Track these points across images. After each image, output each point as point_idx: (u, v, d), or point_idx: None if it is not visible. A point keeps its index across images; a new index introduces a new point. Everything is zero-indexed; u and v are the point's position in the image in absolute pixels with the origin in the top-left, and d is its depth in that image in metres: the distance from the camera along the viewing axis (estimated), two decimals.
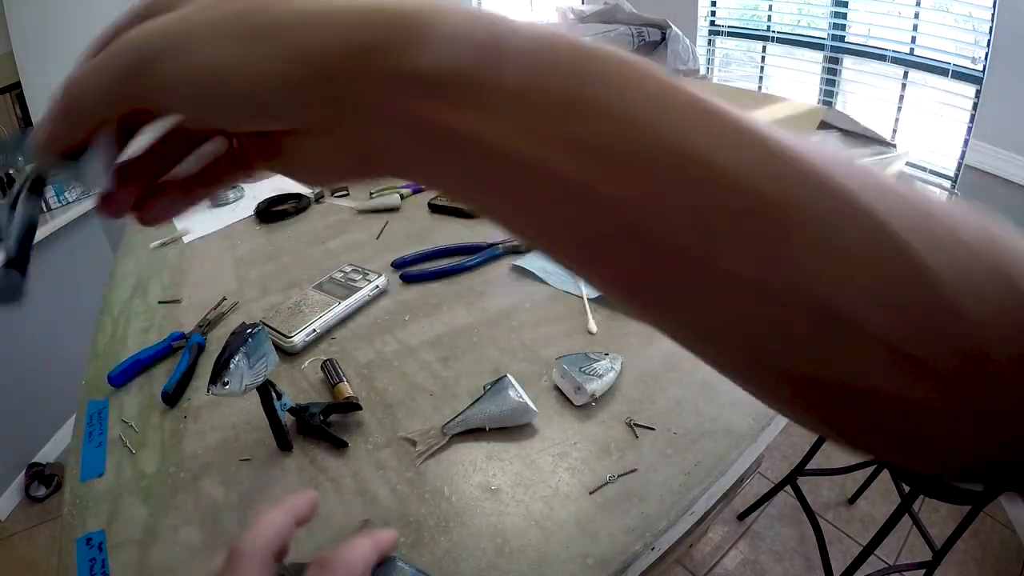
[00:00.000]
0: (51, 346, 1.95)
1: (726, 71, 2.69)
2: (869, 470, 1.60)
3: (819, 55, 2.20)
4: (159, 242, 1.15)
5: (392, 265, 0.95)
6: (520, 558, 0.51)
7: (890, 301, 0.13)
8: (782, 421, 0.63)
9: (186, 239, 1.15)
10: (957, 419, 0.14)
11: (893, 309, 0.13)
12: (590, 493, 0.56)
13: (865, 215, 0.13)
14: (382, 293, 0.89)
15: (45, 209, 2.04)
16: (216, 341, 0.82)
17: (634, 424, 0.62)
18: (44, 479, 1.97)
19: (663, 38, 1.39)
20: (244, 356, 0.58)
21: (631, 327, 0.77)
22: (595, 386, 0.64)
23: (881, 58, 1.98)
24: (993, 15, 1.64)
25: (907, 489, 1.20)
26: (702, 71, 1.57)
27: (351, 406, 0.67)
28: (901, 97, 1.97)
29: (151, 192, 0.22)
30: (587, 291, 0.83)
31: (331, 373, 0.72)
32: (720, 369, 0.18)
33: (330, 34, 0.15)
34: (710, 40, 2.61)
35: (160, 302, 0.95)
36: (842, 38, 2.11)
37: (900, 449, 0.16)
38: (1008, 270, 0.14)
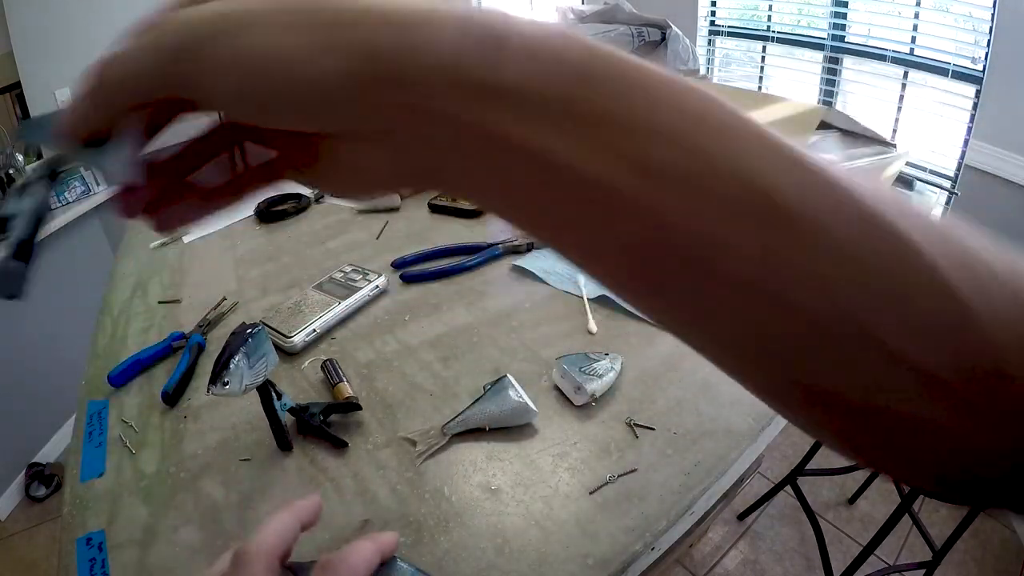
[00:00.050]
0: (51, 346, 1.95)
1: (726, 71, 2.69)
2: (869, 470, 1.60)
3: (819, 55, 2.20)
4: (159, 242, 1.15)
5: (392, 265, 0.95)
6: (520, 558, 0.51)
7: (924, 327, 0.14)
8: (782, 421, 0.63)
9: (186, 239, 1.15)
10: (968, 437, 0.15)
11: (927, 335, 0.14)
12: (590, 493, 0.56)
13: (908, 249, 0.14)
14: (382, 293, 0.89)
15: (58, 200, 1.99)
16: (216, 341, 0.82)
17: (634, 424, 0.62)
18: (44, 479, 1.97)
19: (663, 38, 1.39)
20: (244, 356, 0.58)
21: (631, 327, 0.77)
22: (595, 386, 0.64)
23: (881, 58, 1.99)
24: (993, 15, 1.64)
25: (907, 489, 1.20)
26: (702, 71, 1.57)
27: (351, 406, 0.67)
28: (901, 97, 1.98)
29: (168, 195, 0.21)
30: (587, 291, 0.83)
31: (331, 373, 0.72)
32: (739, 378, 0.18)
33: (403, 37, 0.15)
34: (710, 40, 2.62)
35: (160, 302, 0.95)
36: (842, 38, 2.11)
37: (909, 466, 0.17)
38: None
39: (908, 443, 0.15)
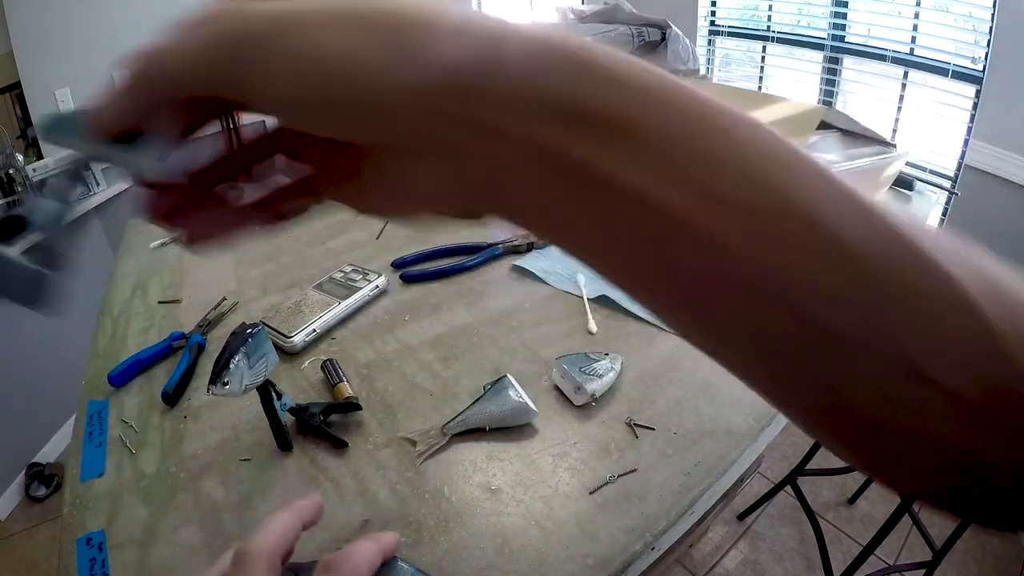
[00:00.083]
0: (51, 346, 1.95)
1: (726, 71, 2.69)
2: None
3: (819, 55, 2.20)
4: (159, 242, 1.15)
5: (392, 265, 0.95)
6: (520, 558, 0.51)
7: (957, 351, 0.14)
8: (782, 421, 0.63)
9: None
10: (978, 452, 0.15)
11: (966, 366, 0.14)
12: (590, 493, 0.56)
13: (946, 279, 0.14)
14: (382, 293, 0.89)
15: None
16: (216, 341, 0.82)
17: (634, 424, 0.62)
18: (44, 479, 1.97)
19: (663, 38, 1.39)
20: (244, 356, 0.58)
21: (631, 327, 0.77)
22: (595, 386, 0.64)
23: (881, 58, 1.99)
24: (993, 15, 1.64)
25: None
26: (702, 71, 1.57)
27: (351, 406, 0.67)
28: (901, 97, 1.98)
29: (195, 204, 0.20)
30: (587, 291, 0.83)
31: (331, 373, 0.72)
32: (763, 393, 0.18)
33: (482, 53, 0.14)
34: (710, 40, 2.62)
35: (160, 302, 0.95)
36: (842, 38, 2.11)
37: (921, 481, 0.17)
38: None
39: (921, 459, 0.16)
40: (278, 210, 0.21)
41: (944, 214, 1.92)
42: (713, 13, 2.56)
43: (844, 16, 2.08)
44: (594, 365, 0.66)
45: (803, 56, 2.29)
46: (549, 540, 0.52)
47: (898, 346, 0.14)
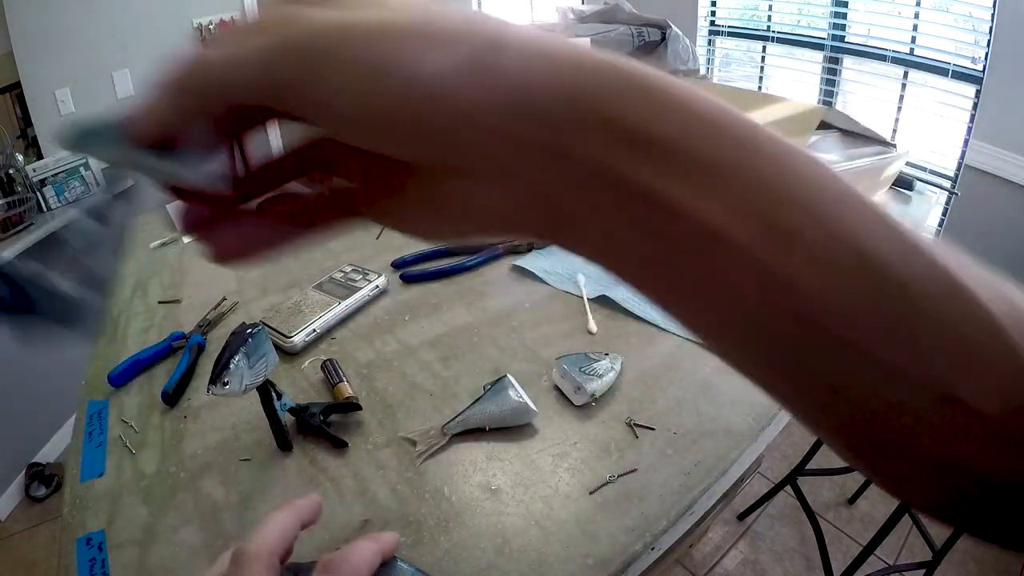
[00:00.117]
0: (51, 346, 1.95)
1: (726, 71, 2.69)
2: None
3: (819, 55, 2.20)
4: (159, 242, 1.15)
5: (392, 265, 0.95)
6: (520, 558, 0.51)
7: (993, 380, 0.15)
8: (782, 421, 0.63)
9: (186, 239, 1.15)
10: (990, 465, 0.16)
11: (994, 386, 0.15)
12: (590, 493, 0.56)
13: (982, 310, 0.15)
14: (382, 293, 0.89)
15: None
16: (216, 341, 0.82)
17: (634, 424, 0.62)
18: (44, 479, 1.97)
19: (663, 38, 1.39)
20: (244, 356, 0.58)
21: (631, 327, 0.77)
22: (595, 386, 0.64)
23: (881, 58, 1.99)
24: (993, 15, 1.64)
25: None
26: (702, 71, 1.57)
27: (351, 406, 0.67)
28: (901, 97, 1.98)
29: (226, 216, 0.19)
30: (587, 291, 0.83)
31: (331, 373, 0.72)
32: (787, 405, 0.18)
33: (559, 76, 0.14)
34: (710, 40, 2.62)
35: (160, 302, 0.95)
36: (842, 38, 2.11)
37: (934, 495, 0.17)
38: None
39: (931, 472, 0.16)
40: (314, 226, 0.20)
41: (944, 214, 1.92)
42: (713, 13, 2.57)
43: (844, 16, 2.08)
44: (594, 365, 0.66)
45: (803, 56, 2.29)
46: (549, 540, 0.52)
47: (936, 371, 0.15)
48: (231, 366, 0.57)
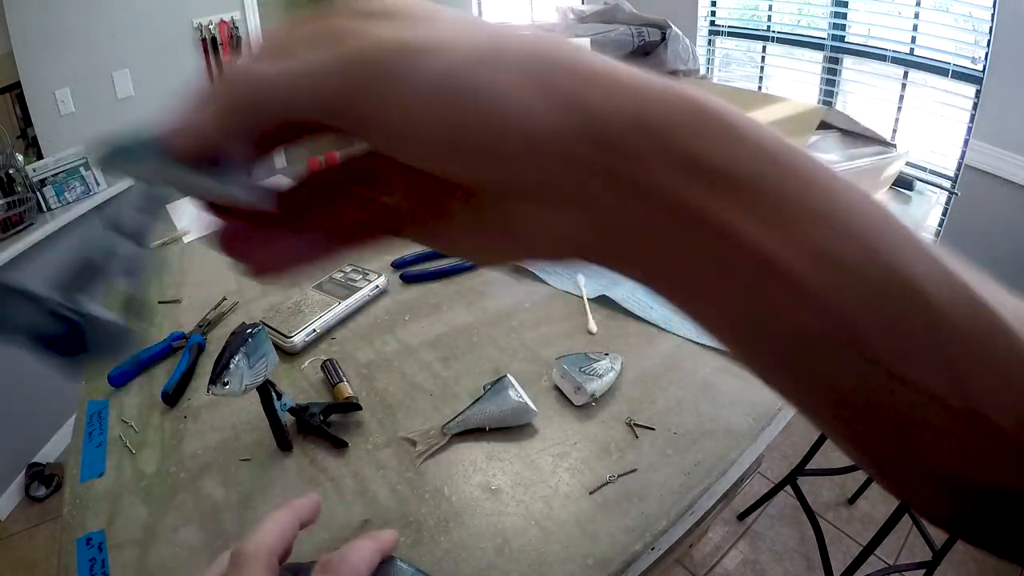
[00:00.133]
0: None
1: (726, 71, 2.69)
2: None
3: (819, 55, 2.20)
4: (159, 242, 1.15)
5: (392, 265, 0.95)
6: (520, 558, 0.51)
7: (1020, 401, 0.15)
8: (782, 421, 0.63)
9: (186, 239, 1.15)
10: (1003, 477, 0.16)
11: (1021, 407, 0.15)
12: (590, 493, 0.56)
13: (1011, 335, 0.15)
14: (382, 293, 0.89)
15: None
16: (216, 341, 0.82)
17: (634, 424, 0.62)
18: (44, 479, 1.97)
19: (663, 38, 1.39)
20: (244, 356, 0.58)
21: (631, 327, 0.77)
22: (595, 386, 0.64)
23: (881, 58, 1.99)
24: (993, 15, 1.64)
25: None
26: (702, 71, 1.57)
27: (351, 406, 0.67)
28: (901, 97, 1.98)
29: (271, 232, 0.19)
30: (587, 291, 0.83)
31: (331, 373, 0.72)
32: (815, 421, 0.18)
33: (620, 101, 0.14)
34: (710, 40, 2.62)
35: (160, 302, 0.95)
36: (842, 38, 2.11)
37: (947, 507, 0.18)
38: None
39: (947, 486, 0.16)
40: (354, 243, 0.20)
41: (944, 214, 1.92)
42: (713, 13, 2.56)
43: (844, 16, 2.08)
44: (594, 365, 0.66)
45: (803, 56, 2.29)
46: (549, 540, 0.52)
47: (968, 395, 0.15)
48: (231, 366, 0.57)
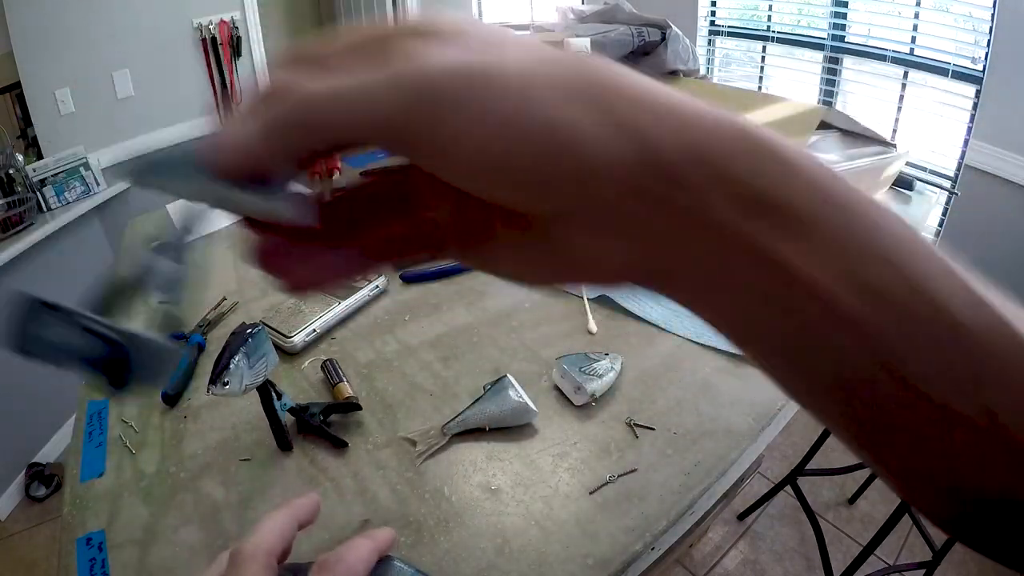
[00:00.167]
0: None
1: (726, 71, 2.69)
2: (869, 470, 1.60)
3: (819, 55, 2.20)
4: (159, 242, 1.15)
5: None
6: (520, 558, 0.51)
7: None
8: (782, 421, 0.63)
9: (186, 239, 1.15)
10: (1015, 488, 0.16)
11: None
12: (590, 493, 0.56)
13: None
14: (382, 293, 0.89)
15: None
16: (216, 341, 0.82)
17: (634, 424, 0.62)
18: (44, 479, 1.97)
19: (663, 38, 1.39)
20: (244, 356, 0.58)
21: (631, 327, 0.77)
22: (595, 386, 0.64)
23: (881, 58, 1.99)
24: (993, 15, 1.64)
25: None
26: (702, 71, 1.57)
27: (351, 406, 0.67)
28: (901, 97, 1.98)
29: (311, 248, 0.19)
30: (587, 291, 0.83)
31: (331, 373, 0.72)
32: (815, 413, 0.18)
33: (679, 133, 0.14)
34: (710, 40, 2.62)
35: (160, 302, 0.95)
36: (842, 38, 2.11)
37: (955, 510, 0.18)
38: None
39: (957, 494, 0.17)
40: (394, 260, 0.20)
41: (944, 214, 1.92)
42: (713, 13, 2.56)
43: (844, 16, 2.08)
44: (594, 365, 0.66)
45: (803, 56, 2.29)
46: (549, 540, 0.52)
47: (993, 413, 0.15)
48: (231, 366, 0.57)
